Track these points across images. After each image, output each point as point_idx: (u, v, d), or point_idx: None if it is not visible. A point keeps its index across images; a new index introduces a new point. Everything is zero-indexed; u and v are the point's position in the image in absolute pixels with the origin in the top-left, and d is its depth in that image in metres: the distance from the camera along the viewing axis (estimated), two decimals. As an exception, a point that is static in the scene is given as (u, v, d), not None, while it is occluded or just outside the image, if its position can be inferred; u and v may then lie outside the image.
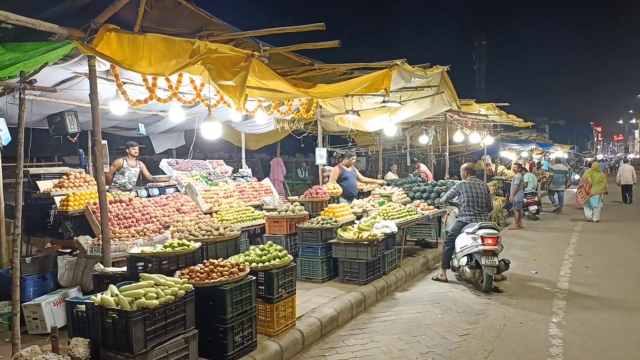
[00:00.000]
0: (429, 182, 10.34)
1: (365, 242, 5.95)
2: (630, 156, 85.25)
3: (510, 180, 13.20)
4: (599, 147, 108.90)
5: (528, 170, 16.45)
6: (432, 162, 14.61)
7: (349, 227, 6.49)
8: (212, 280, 3.67)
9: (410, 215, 7.47)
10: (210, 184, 7.69)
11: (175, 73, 4.18)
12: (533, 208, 13.14)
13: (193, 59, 3.88)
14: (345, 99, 7.61)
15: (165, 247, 4.26)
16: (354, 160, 8.89)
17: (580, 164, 31.64)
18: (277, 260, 4.32)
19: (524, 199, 12.40)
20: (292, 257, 4.50)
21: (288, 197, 8.74)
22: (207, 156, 14.50)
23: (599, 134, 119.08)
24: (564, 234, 10.82)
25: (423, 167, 12.63)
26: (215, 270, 3.84)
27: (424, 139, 12.78)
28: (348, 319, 5.12)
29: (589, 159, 35.51)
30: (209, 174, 8.11)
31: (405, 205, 8.02)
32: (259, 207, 7.69)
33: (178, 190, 7.29)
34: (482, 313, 5.32)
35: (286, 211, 6.60)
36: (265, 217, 6.78)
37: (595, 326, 4.84)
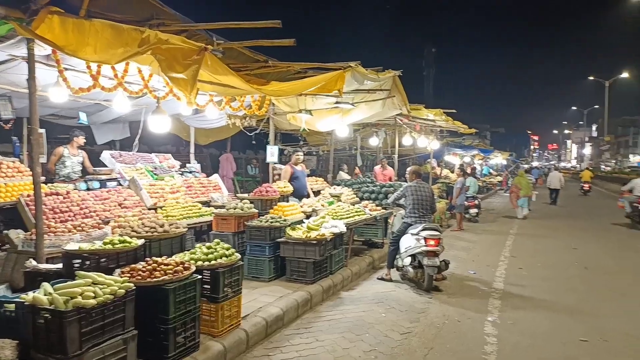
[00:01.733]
0: (377, 183, 10.57)
1: (314, 242, 5.98)
2: (563, 164, 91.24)
3: (454, 184, 13.74)
4: (535, 154, 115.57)
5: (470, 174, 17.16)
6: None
7: (298, 226, 6.50)
8: (154, 279, 3.55)
9: (359, 215, 7.59)
10: (156, 179, 7.44)
11: (122, 62, 4.01)
12: (473, 211, 13.75)
13: (142, 48, 3.73)
14: (299, 97, 7.62)
15: (105, 243, 4.07)
16: (301, 159, 8.92)
17: (517, 170, 33.46)
18: (224, 258, 4.25)
19: (466, 202, 12.95)
20: (239, 256, 4.44)
21: (237, 195, 8.62)
22: (154, 149, 13.97)
23: (536, 143, 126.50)
24: (500, 236, 11.40)
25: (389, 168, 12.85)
26: (158, 268, 3.71)
27: (374, 141, 13.04)
28: (294, 318, 5.13)
29: (525, 166, 37.69)
30: (155, 168, 7.85)
31: (354, 205, 8.15)
32: (206, 203, 7.54)
33: (120, 184, 7.00)
34: (424, 312, 5.50)
35: (235, 209, 6.50)
36: (213, 214, 6.65)
37: (527, 325, 5.14)
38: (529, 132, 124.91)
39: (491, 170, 30.64)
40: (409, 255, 6.50)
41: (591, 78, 53.25)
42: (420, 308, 5.64)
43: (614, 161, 67.82)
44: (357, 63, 6.14)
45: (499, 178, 29.70)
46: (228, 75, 4.47)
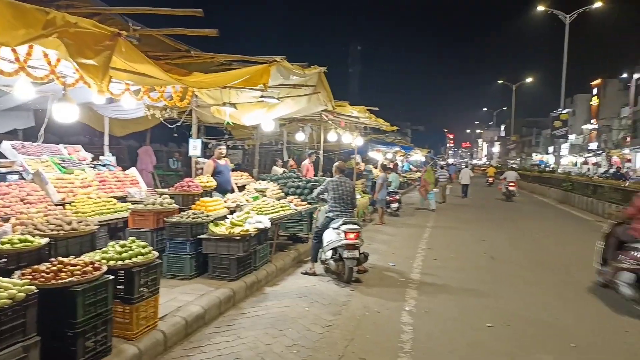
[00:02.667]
0: (303, 178, 10.65)
1: (237, 238, 5.89)
2: (475, 161, 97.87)
3: (377, 179, 14.21)
4: (451, 152, 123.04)
5: (392, 170, 17.84)
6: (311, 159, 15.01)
7: (222, 222, 6.36)
8: (60, 281, 3.29)
9: (284, 210, 7.59)
10: (65, 172, 6.89)
11: (24, 44, 3.63)
12: (394, 205, 14.33)
13: (46, 31, 3.40)
14: (223, 90, 7.41)
15: (3, 243, 3.71)
16: (224, 153, 8.75)
17: (435, 167, 35.41)
18: (140, 257, 4.04)
19: (387, 197, 13.46)
20: (157, 254, 4.25)
21: (157, 189, 8.24)
22: (64, 140, 12.93)
23: (451, 141, 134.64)
24: (419, 229, 12.00)
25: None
26: (64, 269, 3.45)
27: (300, 136, 13.09)
28: (216, 316, 5.02)
29: (442, 162, 39.97)
30: (64, 161, 7.27)
31: (279, 200, 8.13)
32: (123, 199, 7.12)
33: (23, 178, 6.39)
34: (345, 304, 5.65)
35: (153, 204, 6.21)
36: (129, 210, 6.29)
37: (440, 313, 5.46)
38: (445, 130, 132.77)
39: (411, 167, 32.11)
40: (331, 249, 6.64)
41: (500, 82, 57.62)
42: (343, 301, 5.78)
43: (519, 159, 74.03)
44: (282, 58, 6.10)
45: (419, 174, 31.17)
46: (145, 63, 4.23)
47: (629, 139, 39.39)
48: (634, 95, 39.08)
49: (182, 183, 7.14)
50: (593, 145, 48.79)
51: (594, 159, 47.14)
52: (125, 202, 6.91)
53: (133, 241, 4.31)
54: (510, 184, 21.57)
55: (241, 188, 9.17)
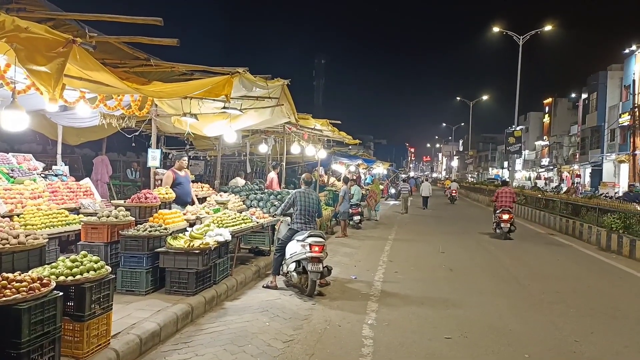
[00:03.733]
0: (266, 190, 10.57)
1: (197, 251, 5.75)
2: (435, 175, 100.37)
3: (339, 192, 14.30)
4: (412, 165, 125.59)
5: (355, 183, 18.02)
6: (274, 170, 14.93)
7: (180, 235, 6.20)
8: (3, 299, 3.10)
9: (245, 223, 7.49)
10: (13, 182, 6.56)
11: (-32, 47, 3.46)
12: (357, 218, 14.45)
13: (-6, 34, 3.26)
14: (184, 100, 7.29)
15: (-61, 258, 3.45)
16: (185, 164, 8.58)
17: (397, 179, 36.07)
18: (92, 272, 3.87)
19: (350, 210, 13.55)
20: (109, 269, 4.08)
21: (112, 201, 7.96)
22: (14, 148, 12.34)
23: (413, 154, 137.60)
24: (380, 242, 12.13)
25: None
26: (9, 286, 3.24)
27: (263, 148, 13.04)
28: (172, 332, 4.86)
29: (404, 176, 40.82)
30: (12, 170, 6.91)
31: (241, 213, 8.02)
32: (75, 210, 6.83)
33: (-34, 188, 6.02)
34: (307, 318, 5.60)
35: (108, 216, 5.98)
36: (81, 223, 6.03)
37: (400, 325, 5.51)
38: (407, 144, 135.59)
39: (374, 179, 32.50)
40: (294, 261, 6.59)
41: (459, 98, 59.61)
42: (304, 315, 5.73)
43: (477, 173, 76.52)
44: (245, 69, 6.08)
45: (381, 187, 31.66)
46: (101, 71, 4.10)
47: (578, 155, 41.53)
48: (582, 114, 41.33)
49: (140, 194, 6.93)
50: (545, 161, 51.10)
51: (546, 174, 49.37)
52: (78, 214, 6.64)
53: (85, 255, 4.13)
54: (453, 192, 30.83)
55: (202, 200, 8.99)
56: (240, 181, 12.69)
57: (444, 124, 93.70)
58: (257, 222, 7.88)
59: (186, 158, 8.89)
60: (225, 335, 4.87)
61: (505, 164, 60.37)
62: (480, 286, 7.64)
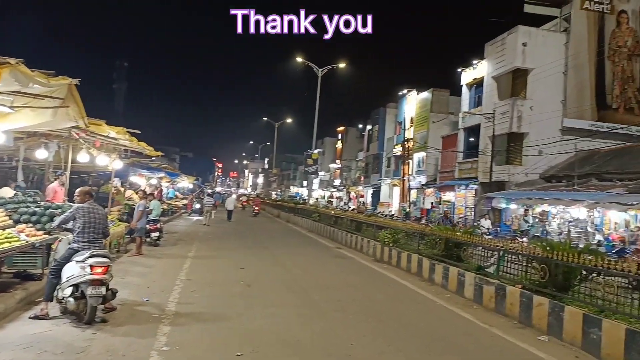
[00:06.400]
0: (42, 203, 9.09)
1: None
2: (241, 190, 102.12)
3: (136, 206, 13.26)
4: (219, 180, 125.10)
5: (155, 197, 16.99)
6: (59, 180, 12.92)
7: None
8: None
9: (9, 242, 6.29)
10: None
11: None
12: (155, 235, 13.59)
13: None
14: None
15: None
16: None
17: (202, 194, 35.42)
18: None
19: (147, 226, 12.68)
20: None
21: None
22: None
23: (220, 170, 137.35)
24: (179, 259, 11.64)
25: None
26: None
27: (42, 154, 11.19)
28: None
29: (209, 190, 40.45)
30: None
31: (4, 230, 6.70)
32: None
33: None
34: (85, 350, 4.96)
35: None
36: None
37: (192, 347, 5.34)
38: (214, 159, 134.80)
39: (177, 193, 31.23)
40: (71, 285, 5.78)
41: (265, 119, 62.42)
42: (81, 346, 5.06)
43: (280, 190, 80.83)
44: (19, 61, 5.18)
45: (185, 201, 30.60)
46: None
47: (362, 178, 47.77)
48: (367, 142, 47.89)
49: None
50: (337, 182, 57.27)
51: (338, 193, 55.28)
52: None
53: None
54: (252, 204, 36.74)
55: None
56: (8, 192, 10.60)
57: (251, 142, 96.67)
58: (27, 241, 6.70)
59: None
60: (-31, 383, 3.95)
61: (305, 182, 65.43)
62: (273, 300, 7.99)
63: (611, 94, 25.05)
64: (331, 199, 51.98)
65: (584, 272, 6.85)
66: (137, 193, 18.49)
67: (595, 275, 6.71)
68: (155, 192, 20.67)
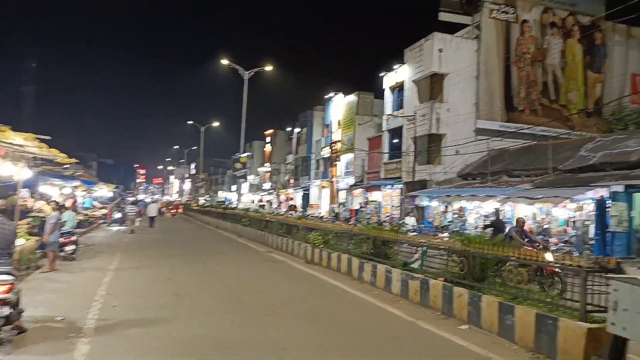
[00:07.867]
0: None
1: None
2: (167, 197, 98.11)
3: (48, 219, 12.25)
4: (142, 188, 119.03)
5: (68, 208, 15.80)
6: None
7: None
8: None
9: None
10: None
11: None
12: (70, 248, 12.63)
13: None
14: None
15: None
16: None
17: (123, 203, 33.53)
18: None
19: (61, 239, 11.77)
20: None
21: None
22: None
23: (143, 176, 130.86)
24: (99, 273, 10.92)
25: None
26: None
27: None
28: None
29: (132, 199, 38.46)
30: None
31: None
32: None
33: None
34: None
35: None
36: None
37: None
38: (136, 165, 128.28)
39: (94, 203, 29.26)
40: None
41: (190, 122, 60.47)
42: (-15, 375, 4.59)
43: (208, 196, 78.66)
44: None
45: (104, 211, 28.78)
46: None
47: (292, 180, 47.88)
48: (295, 145, 48.09)
49: None
50: (267, 185, 56.89)
51: (268, 197, 54.90)
52: None
53: None
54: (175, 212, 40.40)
55: None
56: None
57: (177, 146, 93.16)
58: None
59: None
60: None
61: (234, 187, 64.30)
62: (204, 307, 7.78)
63: (518, 97, 27.29)
64: (262, 203, 51.58)
65: (499, 263, 7.41)
66: (48, 204, 17.12)
67: (510, 265, 7.29)
68: (69, 203, 19.23)
